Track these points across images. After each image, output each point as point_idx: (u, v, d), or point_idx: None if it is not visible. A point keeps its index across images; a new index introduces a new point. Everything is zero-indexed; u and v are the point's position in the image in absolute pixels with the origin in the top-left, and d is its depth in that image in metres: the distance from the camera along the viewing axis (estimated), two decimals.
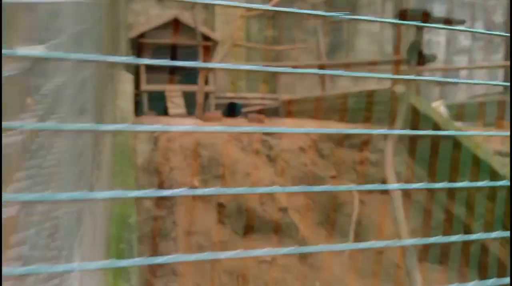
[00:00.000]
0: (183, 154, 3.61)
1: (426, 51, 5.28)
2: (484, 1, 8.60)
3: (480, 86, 7.29)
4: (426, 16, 2.61)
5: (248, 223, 3.16)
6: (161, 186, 3.17)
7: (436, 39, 8.19)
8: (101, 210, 1.91)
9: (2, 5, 0.39)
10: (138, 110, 6.90)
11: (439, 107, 5.52)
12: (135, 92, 6.83)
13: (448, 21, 2.95)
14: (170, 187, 3.21)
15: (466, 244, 3.36)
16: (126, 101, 3.29)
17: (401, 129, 3.90)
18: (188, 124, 4.63)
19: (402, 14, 2.58)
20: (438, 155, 3.89)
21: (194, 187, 3.32)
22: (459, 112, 6.26)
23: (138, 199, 3.00)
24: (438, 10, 7.95)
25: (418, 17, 2.66)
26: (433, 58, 2.75)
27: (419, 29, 2.70)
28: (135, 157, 3.30)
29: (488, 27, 8.63)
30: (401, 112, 2.89)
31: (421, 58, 2.72)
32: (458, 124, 5.43)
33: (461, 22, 2.81)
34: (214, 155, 3.52)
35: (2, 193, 0.38)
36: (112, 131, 2.60)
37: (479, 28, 8.42)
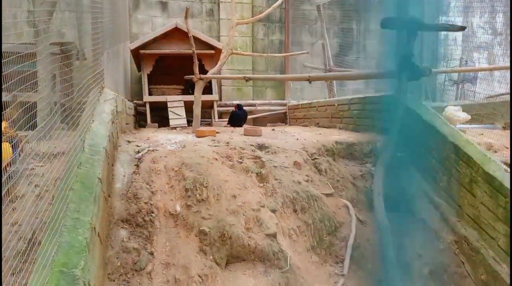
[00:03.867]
0: (167, 175, 3.42)
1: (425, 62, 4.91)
2: None
3: (503, 84, 6.80)
4: (414, 24, 2.31)
5: (232, 252, 2.93)
6: (139, 214, 2.98)
7: (452, 36, 7.71)
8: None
9: None
10: (140, 122, 6.80)
11: (454, 111, 5.09)
12: (136, 104, 6.72)
13: (444, 28, 2.63)
14: (149, 214, 3.02)
15: (475, 271, 3.02)
16: (101, 124, 3.12)
17: (397, 140, 3.59)
18: (181, 139, 4.44)
19: (385, 24, 2.29)
20: (445, 169, 3.55)
21: (176, 213, 3.12)
22: (477, 114, 5.81)
23: (111, 230, 2.83)
24: (453, 5, 7.51)
25: (406, 25, 2.37)
26: (428, 71, 2.44)
27: (410, 40, 2.40)
28: (112, 183, 3.13)
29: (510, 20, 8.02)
30: (395, 122, 2.59)
31: (413, 72, 2.41)
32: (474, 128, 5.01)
33: (461, 29, 2.48)
34: (199, 176, 3.31)
35: None
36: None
37: (500, 21, 7.89)
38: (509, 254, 2.82)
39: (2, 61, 2.34)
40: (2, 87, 2.24)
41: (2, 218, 2.13)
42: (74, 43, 4.49)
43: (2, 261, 1.91)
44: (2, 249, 1.90)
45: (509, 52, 6.80)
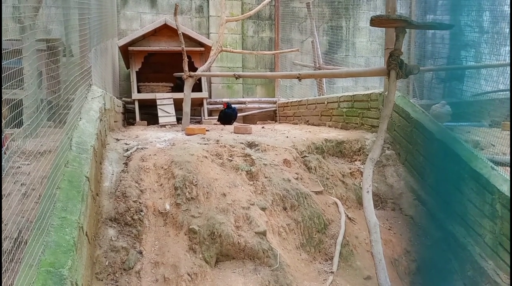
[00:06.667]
0: (156, 173, 3.40)
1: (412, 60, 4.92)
2: None
3: (489, 82, 6.88)
4: (403, 23, 2.32)
5: (222, 250, 2.92)
6: (128, 212, 2.96)
7: (440, 34, 7.79)
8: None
9: None
10: (129, 119, 6.73)
11: (441, 109, 5.16)
12: (125, 101, 6.66)
13: (432, 26, 2.66)
14: (138, 213, 3.00)
15: (462, 267, 3.06)
16: (88, 122, 3.08)
17: (385, 138, 3.62)
18: (170, 137, 4.41)
19: (376, 22, 2.29)
20: (433, 166, 3.59)
21: (166, 212, 3.10)
22: (463, 112, 5.88)
23: (99, 229, 2.80)
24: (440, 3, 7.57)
25: (394, 23, 2.38)
26: (416, 69, 2.46)
27: (398, 38, 2.41)
28: (100, 181, 3.10)
29: (497, 18, 8.17)
30: (383, 120, 2.61)
31: (401, 69, 2.43)
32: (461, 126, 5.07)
33: (449, 27, 2.51)
34: (189, 174, 3.30)
35: None
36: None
37: (486, 19, 7.98)
38: (495, 251, 2.87)
39: None
40: None
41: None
42: (61, 39, 4.43)
43: (2, 261, 1.88)
44: None
45: (495, 50, 6.89)
